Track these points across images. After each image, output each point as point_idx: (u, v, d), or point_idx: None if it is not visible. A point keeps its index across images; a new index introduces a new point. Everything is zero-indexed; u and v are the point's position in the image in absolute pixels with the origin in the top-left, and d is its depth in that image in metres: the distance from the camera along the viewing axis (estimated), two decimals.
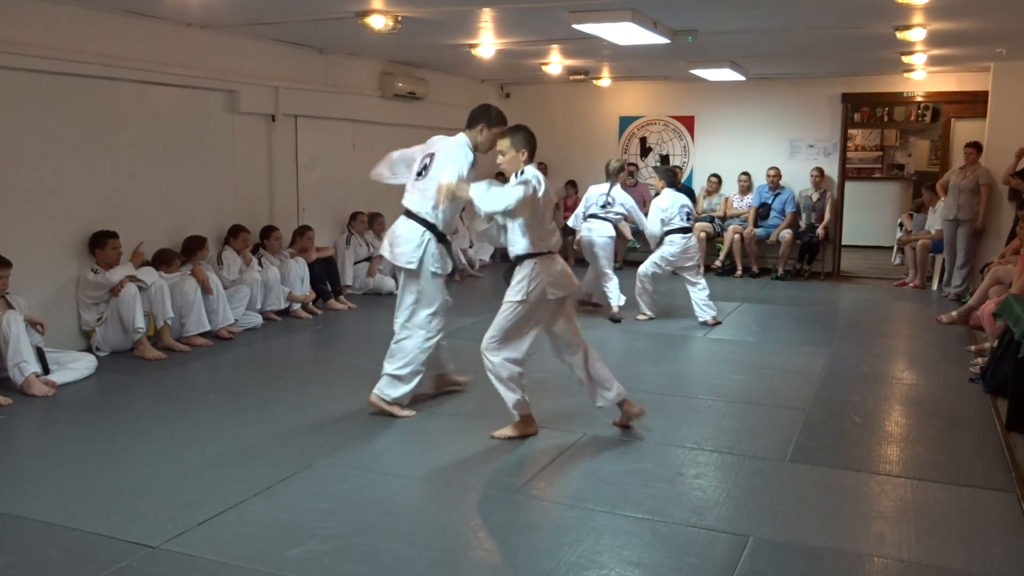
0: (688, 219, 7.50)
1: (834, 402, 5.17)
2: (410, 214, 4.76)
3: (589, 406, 4.98)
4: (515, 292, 4.30)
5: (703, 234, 10.27)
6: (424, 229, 4.70)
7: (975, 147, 9.01)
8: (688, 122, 11.29)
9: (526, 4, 6.08)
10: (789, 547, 3.26)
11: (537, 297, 4.28)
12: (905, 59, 8.58)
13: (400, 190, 5.04)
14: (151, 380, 5.56)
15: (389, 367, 4.78)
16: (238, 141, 7.57)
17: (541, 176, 4.32)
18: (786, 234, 10.16)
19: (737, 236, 10.36)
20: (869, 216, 12.95)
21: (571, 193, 11.27)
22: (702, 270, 7.74)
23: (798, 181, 10.51)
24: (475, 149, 4.71)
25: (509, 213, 4.25)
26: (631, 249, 10.56)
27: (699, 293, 7.46)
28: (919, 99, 11.16)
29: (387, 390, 4.77)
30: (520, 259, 4.34)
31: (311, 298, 7.64)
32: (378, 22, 6.23)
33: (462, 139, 4.73)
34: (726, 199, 10.87)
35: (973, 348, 6.45)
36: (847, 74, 10.29)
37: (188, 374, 5.76)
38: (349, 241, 8.58)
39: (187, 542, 3.21)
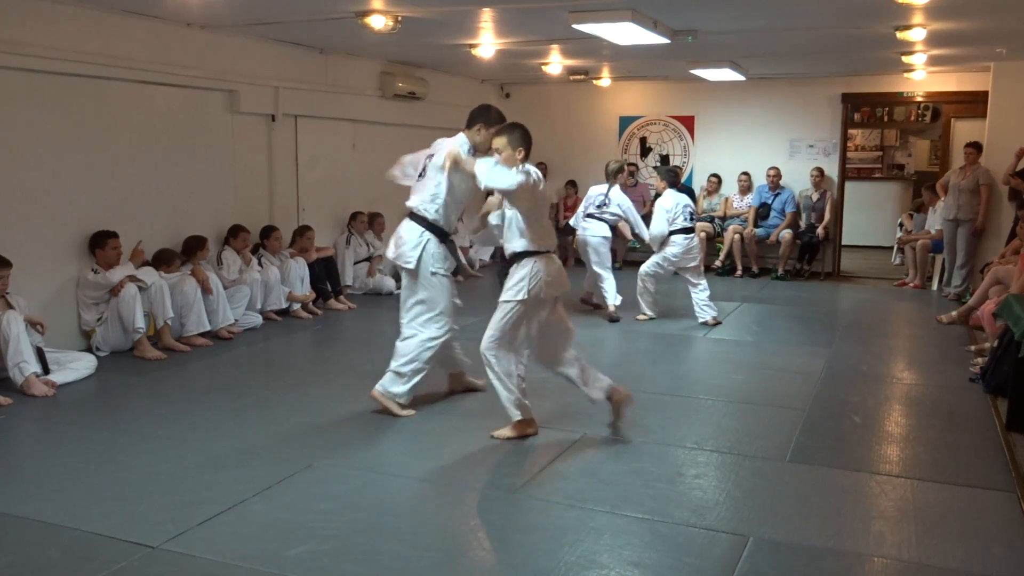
0: (691, 219, 7.50)
1: (834, 402, 5.17)
2: (412, 215, 4.78)
3: (589, 406, 4.99)
4: (515, 291, 4.28)
5: (703, 234, 10.27)
6: (423, 229, 4.72)
7: (975, 147, 9.01)
8: (688, 122, 11.29)
9: (526, 4, 6.08)
10: (789, 547, 3.26)
11: (536, 296, 4.28)
12: (905, 59, 8.58)
13: (401, 189, 5.06)
14: (151, 380, 5.56)
15: (392, 363, 4.80)
16: (238, 141, 7.57)
17: (540, 174, 4.36)
18: (786, 234, 10.16)
19: (737, 236, 10.36)
20: (869, 216, 12.95)
21: (571, 193, 11.27)
22: (702, 270, 7.74)
23: (798, 181, 10.51)
24: (474, 149, 4.71)
25: (509, 196, 4.24)
26: (631, 249, 10.56)
27: (700, 294, 7.47)
28: (919, 99, 11.16)
29: (388, 385, 4.79)
30: (519, 257, 4.33)
31: (311, 298, 7.64)
32: (378, 22, 6.23)
33: (460, 139, 4.74)
34: (726, 199, 10.87)
35: (973, 348, 6.45)
36: (847, 74, 10.29)
37: (188, 374, 5.76)
38: (349, 241, 8.58)
39: (187, 542, 3.21)
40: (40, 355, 5.26)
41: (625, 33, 6.51)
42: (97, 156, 6.26)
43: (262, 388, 5.38)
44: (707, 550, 3.22)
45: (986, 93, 9.25)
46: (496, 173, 4.22)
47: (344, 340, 7.16)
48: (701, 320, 7.42)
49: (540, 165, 9.62)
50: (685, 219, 7.44)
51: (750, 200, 10.63)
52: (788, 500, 3.73)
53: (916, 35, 6.83)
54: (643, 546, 3.25)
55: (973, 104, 10.05)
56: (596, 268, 7.71)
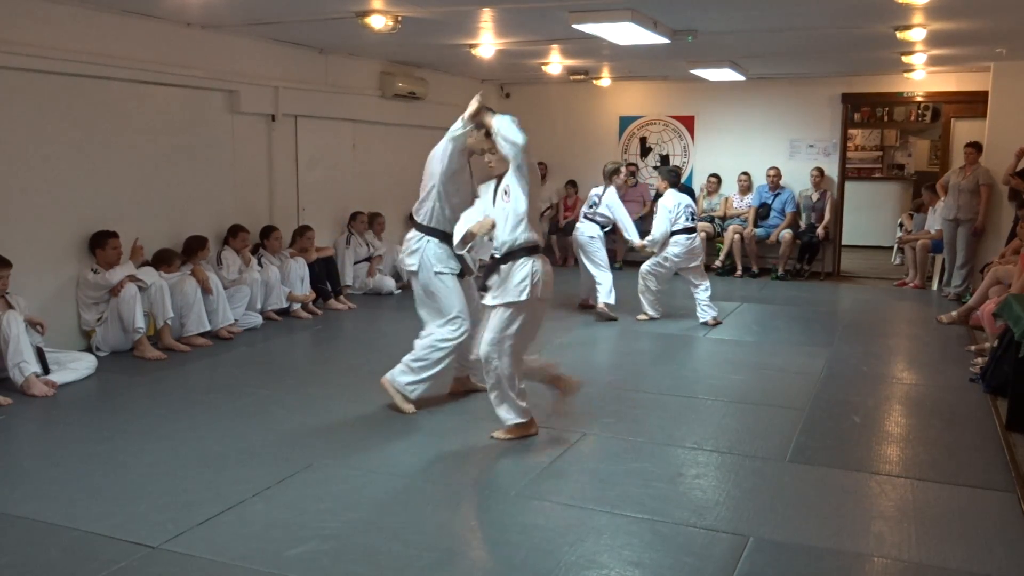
0: (692, 219, 7.50)
1: (834, 402, 5.17)
2: (411, 219, 4.86)
3: (589, 406, 5.00)
4: (518, 292, 4.20)
5: (703, 234, 10.27)
6: (422, 234, 4.79)
7: (975, 147, 9.01)
8: (688, 122, 11.29)
9: (526, 4, 6.07)
10: (789, 547, 3.26)
11: (537, 296, 4.24)
12: (905, 59, 8.58)
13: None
14: (151, 380, 5.56)
15: (406, 356, 4.83)
16: (238, 141, 7.57)
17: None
18: (786, 234, 10.16)
19: (737, 236, 10.36)
20: (869, 216, 12.95)
21: (571, 193, 11.27)
22: (704, 270, 7.74)
23: (798, 181, 10.51)
24: (469, 152, 4.73)
25: (517, 165, 4.17)
26: (631, 249, 10.54)
27: (702, 294, 7.47)
28: (919, 99, 11.16)
29: (396, 375, 4.82)
30: (516, 255, 4.23)
31: (311, 298, 7.64)
32: (378, 22, 6.23)
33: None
34: (726, 199, 10.87)
35: (973, 348, 6.45)
36: (847, 74, 10.29)
37: (188, 374, 5.76)
38: (349, 241, 8.58)
39: (187, 542, 3.21)
40: (40, 355, 5.26)
41: (625, 33, 6.51)
42: (97, 156, 6.26)
43: (262, 388, 5.37)
44: (707, 550, 3.22)
45: (986, 93, 9.25)
46: (512, 126, 4.18)
47: (344, 340, 7.16)
48: (702, 320, 7.42)
49: (540, 165, 9.63)
50: (687, 219, 7.44)
51: (750, 200, 10.63)
52: (788, 500, 3.73)
53: (916, 35, 6.83)
54: (643, 546, 3.25)
55: (973, 104, 10.05)
56: (588, 266, 7.79)
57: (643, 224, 8.62)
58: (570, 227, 8.47)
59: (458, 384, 5.17)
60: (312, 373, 5.98)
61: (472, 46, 7.87)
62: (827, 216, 10.26)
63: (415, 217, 4.92)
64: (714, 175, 10.90)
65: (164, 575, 3.00)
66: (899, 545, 3.30)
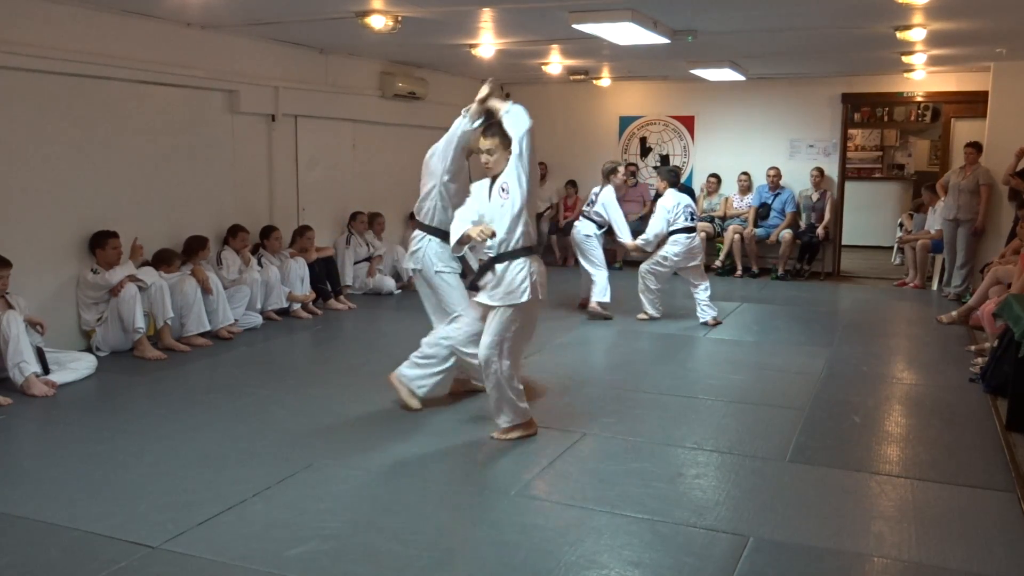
0: (692, 219, 7.49)
1: (834, 402, 5.17)
2: (412, 218, 4.87)
3: (589, 406, 5.00)
4: (519, 293, 4.17)
5: (703, 234, 10.27)
6: (424, 233, 4.80)
7: (975, 147, 9.01)
8: (688, 122, 11.29)
9: (526, 4, 6.07)
10: (789, 547, 3.26)
11: (539, 296, 4.23)
12: (905, 59, 8.58)
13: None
14: (151, 380, 5.56)
15: (413, 353, 4.86)
16: (238, 141, 7.57)
17: None
18: (786, 234, 10.16)
19: (737, 236, 10.36)
20: (869, 216, 12.95)
21: (571, 193, 11.27)
22: (704, 270, 7.74)
23: (798, 181, 10.51)
24: (468, 152, 4.75)
25: (522, 159, 4.14)
26: (641, 250, 10.54)
27: (702, 294, 7.47)
28: (919, 99, 11.16)
29: (404, 370, 4.85)
30: (513, 256, 4.18)
31: (311, 298, 7.64)
32: (378, 22, 6.23)
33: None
34: (726, 199, 10.87)
35: (973, 348, 6.45)
36: (847, 74, 10.29)
37: (188, 374, 5.76)
38: (349, 241, 8.58)
39: (187, 542, 3.21)
40: (40, 355, 5.26)
41: (625, 33, 6.51)
42: (97, 156, 6.26)
43: (262, 388, 5.37)
44: (707, 550, 3.22)
45: (986, 93, 9.25)
46: (521, 109, 4.19)
47: (344, 340, 7.16)
48: (702, 320, 7.42)
49: (540, 165, 9.64)
50: (686, 219, 7.43)
51: (750, 200, 10.63)
52: (788, 500, 3.73)
53: (916, 35, 6.83)
54: (643, 546, 3.25)
55: (973, 104, 10.05)
56: (584, 264, 7.82)
57: (643, 224, 8.61)
58: (570, 227, 8.48)
59: (458, 384, 5.18)
60: (312, 373, 5.98)
61: (472, 46, 7.87)
62: (827, 216, 10.26)
63: (417, 216, 4.95)
64: (713, 175, 10.90)
65: (164, 575, 3.00)
66: (899, 545, 3.30)
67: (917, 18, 6.40)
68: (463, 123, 4.64)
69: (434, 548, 3.21)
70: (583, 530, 3.35)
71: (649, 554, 3.18)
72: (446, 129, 4.84)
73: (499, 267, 4.21)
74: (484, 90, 4.45)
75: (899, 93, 10.57)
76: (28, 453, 4.37)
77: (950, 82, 10.10)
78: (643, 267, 7.60)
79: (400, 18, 6.27)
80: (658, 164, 11.24)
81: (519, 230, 4.17)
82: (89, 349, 5.99)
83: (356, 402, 5.00)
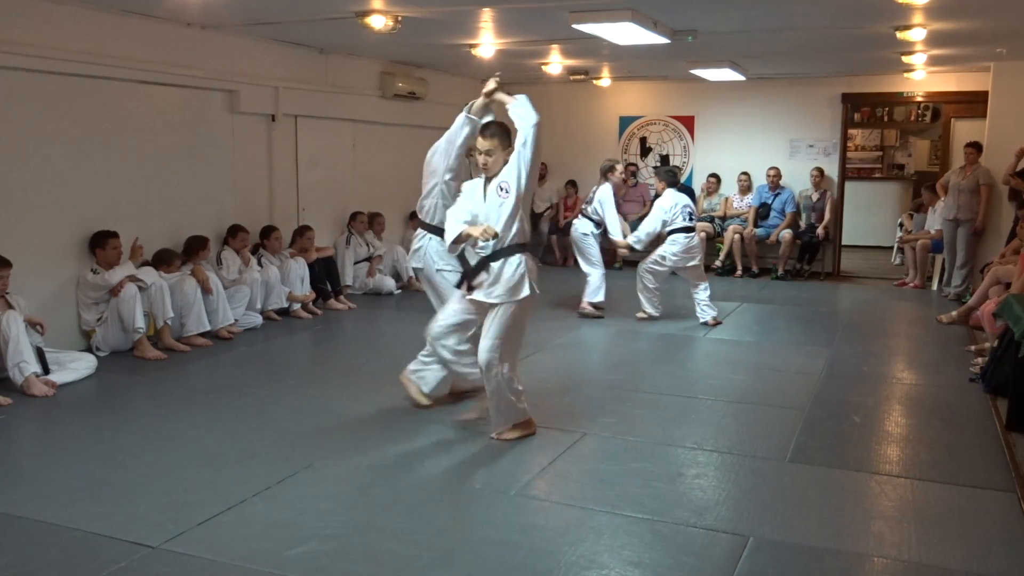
0: (690, 219, 7.49)
1: (834, 402, 5.17)
2: (414, 217, 4.90)
3: (589, 406, 5.00)
4: (519, 290, 4.17)
5: (703, 234, 10.27)
6: (425, 232, 4.82)
7: (975, 147, 9.01)
8: (688, 122, 11.29)
9: (526, 4, 6.08)
10: (789, 547, 3.26)
11: (536, 292, 4.23)
12: (905, 59, 8.58)
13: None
14: (151, 380, 5.56)
15: (421, 352, 4.88)
16: (238, 141, 7.57)
17: None
18: (786, 234, 10.16)
19: (737, 236, 10.37)
20: (869, 216, 12.95)
21: (571, 193, 11.28)
22: (703, 270, 7.73)
23: (798, 181, 10.51)
24: (468, 151, 4.76)
25: (529, 150, 4.13)
26: (631, 249, 10.54)
27: (701, 294, 7.47)
28: (919, 99, 11.16)
29: (413, 367, 4.88)
30: (508, 252, 4.17)
31: (311, 298, 7.64)
32: (378, 22, 6.23)
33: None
34: (726, 199, 10.87)
35: (973, 348, 6.45)
36: (847, 74, 10.29)
37: (188, 374, 5.76)
38: (349, 241, 8.58)
39: (187, 542, 3.21)
40: (40, 355, 5.26)
41: (625, 33, 6.51)
42: (97, 156, 6.26)
43: (262, 388, 5.37)
44: (707, 550, 3.22)
45: (986, 93, 9.25)
46: (528, 103, 4.18)
47: (344, 340, 7.16)
48: (702, 320, 7.42)
49: (540, 165, 9.63)
50: (684, 219, 7.43)
51: (750, 200, 10.63)
52: (788, 500, 3.73)
53: (916, 35, 6.83)
54: (643, 546, 3.25)
55: (973, 104, 10.05)
56: (580, 262, 7.85)
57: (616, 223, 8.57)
58: (570, 227, 8.49)
59: (457, 384, 5.18)
60: (312, 373, 5.98)
61: (472, 46, 7.87)
62: (827, 216, 10.26)
63: (419, 215, 4.97)
64: (713, 175, 10.90)
65: (164, 575, 3.00)
66: (899, 545, 3.30)
67: (917, 18, 6.40)
68: (466, 119, 4.63)
69: (434, 548, 3.21)
70: (583, 530, 3.35)
71: (649, 554, 3.18)
72: (446, 129, 4.84)
73: (495, 265, 4.19)
74: (491, 84, 4.43)
75: (899, 93, 10.57)
76: (28, 453, 4.38)
77: (950, 82, 10.10)
78: (641, 266, 7.60)
79: (400, 18, 6.27)
80: (658, 164, 11.24)
81: (515, 227, 4.18)
82: (89, 349, 5.99)
83: (356, 402, 5.00)
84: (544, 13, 6.31)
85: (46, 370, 5.25)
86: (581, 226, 7.86)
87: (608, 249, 8.22)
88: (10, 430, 4.56)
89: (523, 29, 7.20)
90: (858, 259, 11.87)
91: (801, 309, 8.41)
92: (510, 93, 4.33)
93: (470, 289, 4.30)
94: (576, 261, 8.28)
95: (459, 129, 4.71)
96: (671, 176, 7.74)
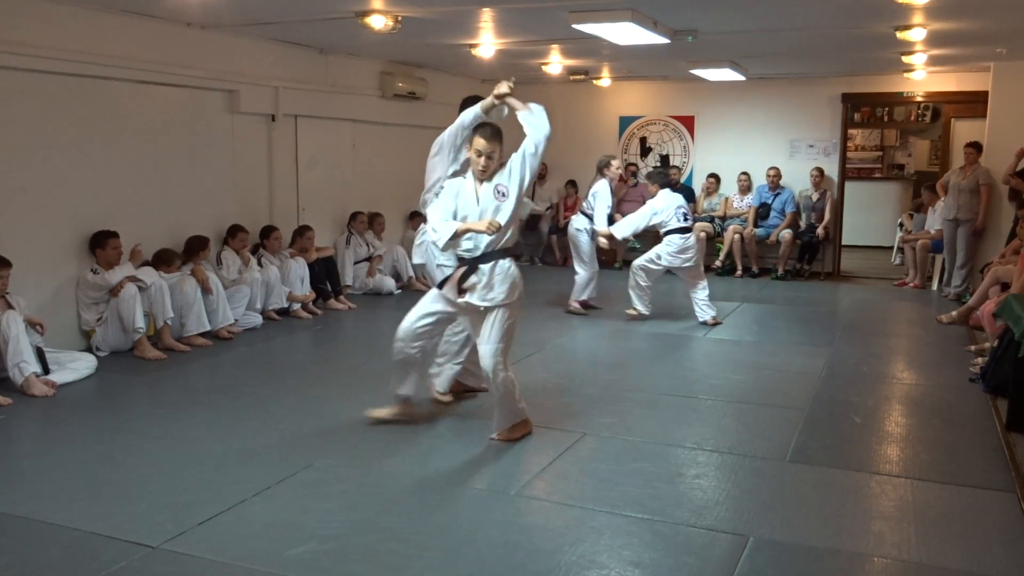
0: (685, 219, 7.47)
1: (834, 402, 5.17)
2: (411, 217, 4.90)
3: (589, 406, 5.00)
4: (517, 290, 4.20)
5: (703, 234, 10.28)
6: (426, 228, 4.83)
7: (975, 147, 9.01)
8: (688, 122, 11.30)
9: (526, 4, 6.08)
10: (789, 547, 3.26)
11: (523, 292, 4.26)
12: (905, 59, 8.58)
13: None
14: (151, 380, 5.56)
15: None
16: (238, 141, 7.57)
17: None
18: (786, 234, 10.16)
19: (737, 236, 10.36)
20: (869, 216, 12.95)
21: (571, 193, 11.27)
22: (702, 270, 7.73)
23: (798, 181, 10.51)
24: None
25: (535, 153, 4.15)
26: (631, 249, 10.56)
27: (700, 293, 7.47)
28: (919, 99, 11.16)
29: (433, 369, 4.96)
30: (498, 256, 4.16)
31: (311, 298, 7.64)
32: (378, 22, 6.23)
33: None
34: (726, 199, 10.87)
35: (973, 348, 6.45)
36: (847, 74, 10.29)
37: (188, 374, 5.76)
38: (349, 241, 8.58)
39: (187, 542, 3.21)
40: (40, 355, 5.26)
41: (625, 33, 6.51)
42: (97, 156, 6.26)
43: (262, 388, 5.37)
44: (707, 550, 3.22)
45: (986, 93, 9.25)
46: (544, 112, 4.18)
47: (344, 340, 7.16)
48: (701, 320, 7.42)
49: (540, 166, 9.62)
50: (679, 220, 7.41)
51: (750, 200, 10.63)
52: (788, 500, 3.73)
53: (916, 35, 6.83)
54: (643, 546, 3.25)
55: (973, 104, 10.05)
56: (574, 261, 7.88)
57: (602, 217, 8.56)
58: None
59: (458, 384, 5.18)
60: (312, 373, 5.98)
61: (472, 46, 7.87)
62: (827, 216, 10.26)
63: (421, 210, 4.93)
64: (712, 175, 10.90)
65: (164, 575, 3.00)
66: (899, 545, 3.30)
67: (917, 18, 6.40)
68: (476, 117, 4.61)
69: (434, 548, 3.21)
70: (583, 530, 3.35)
71: (649, 554, 3.19)
72: (445, 129, 4.82)
73: (485, 267, 4.16)
74: (504, 88, 4.31)
75: (899, 93, 10.57)
76: (28, 453, 4.38)
77: (950, 82, 10.10)
78: (635, 264, 7.60)
79: (400, 18, 6.27)
80: (658, 164, 11.25)
81: (510, 231, 4.20)
82: (89, 349, 5.99)
83: (356, 402, 4.99)
84: (544, 13, 6.31)
85: (46, 370, 5.25)
86: (576, 222, 7.91)
87: (610, 249, 8.22)
88: (10, 430, 4.57)
89: (523, 29, 7.20)
90: (858, 259, 11.87)
91: (801, 309, 8.41)
92: (523, 101, 4.29)
93: (461, 292, 4.22)
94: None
95: (461, 125, 4.68)
96: (663, 178, 7.75)
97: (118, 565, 3.03)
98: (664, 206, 7.43)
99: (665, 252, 7.43)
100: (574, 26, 6.21)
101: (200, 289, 6.42)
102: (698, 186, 11.10)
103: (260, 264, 7.27)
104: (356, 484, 3.82)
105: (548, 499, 3.73)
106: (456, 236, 4.16)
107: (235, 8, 6.21)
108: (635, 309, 7.55)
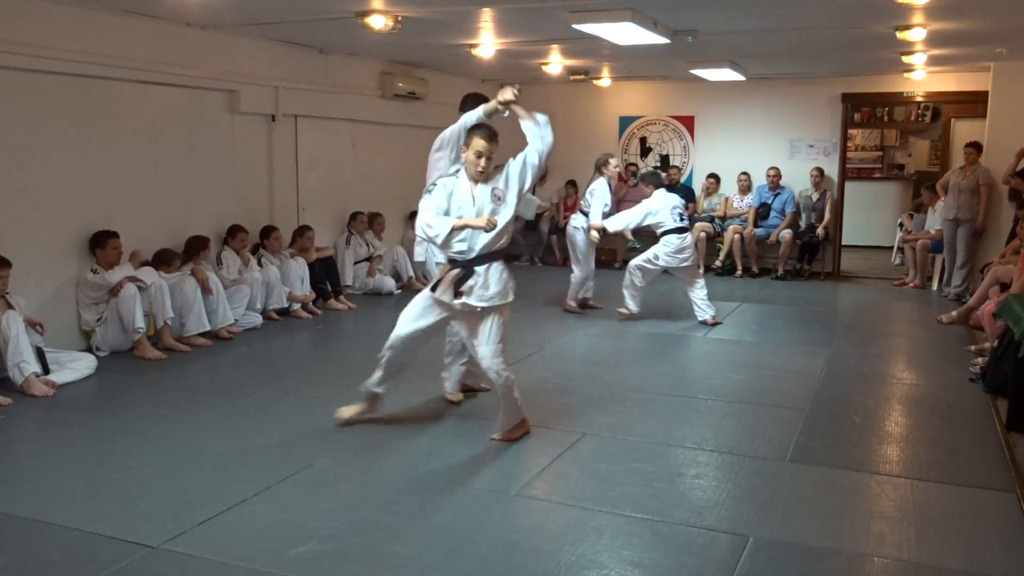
0: (681, 219, 7.46)
1: (834, 402, 5.17)
2: (411, 216, 4.92)
3: (589, 406, 5.00)
4: (511, 291, 4.24)
5: (703, 234, 10.28)
6: None
7: (975, 147, 9.01)
8: (688, 122, 11.30)
9: (526, 4, 6.08)
10: (789, 547, 3.26)
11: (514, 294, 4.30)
12: (905, 59, 8.58)
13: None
14: (151, 380, 5.56)
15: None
16: (238, 141, 7.57)
17: None
18: (786, 234, 10.16)
19: (737, 236, 10.36)
20: (869, 216, 12.95)
21: (571, 193, 11.28)
22: (701, 270, 7.73)
23: (798, 181, 10.51)
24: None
25: (538, 163, 4.16)
26: (631, 249, 10.56)
27: (698, 292, 7.47)
28: (919, 99, 11.16)
29: (443, 372, 5.03)
30: (492, 258, 4.18)
31: (311, 298, 7.64)
32: (378, 22, 6.23)
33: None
34: (726, 199, 10.88)
35: (973, 348, 6.45)
36: (847, 74, 10.29)
37: (188, 374, 5.76)
38: (349, 241, 8.58)
39: (187, 542, 3.21)
40: (40, 355, 5.26)
41: (625, 33, 6.51)
42: (97, 156, 6.26)
43: (262, 388, 5.37)
44: (707, 550, 3.22)
45: (986, 93, 9.25)
46: (549, 124, 4.20)
47: (344, 340, 7.16)
48: (700, 319, 7.42)
49: None
50: (675, 220, 7.41)
51: (750, 200, 10.63)
52: (788, 500, 3.73)
53: (916, 35, 6.83)
54: (643, 546, 3.25)
55: (973, 104, 10.05)
56: (572, 260, 7.88)
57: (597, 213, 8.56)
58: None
59: (461, 385, 5.18)
60: (312, 373, 5.98)
61: (472, 46, 7.87)
62: (827, 216, 10.26)
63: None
64: (712, 175, 10.90)
65: (164, 575, 3.00)
66: (899, 545, 3.30)
67: (917, 18, 6.40)
68: (472, 118, 4.61)
69: (434, 548, 3.21)
70: (583, 530, 3.35)
71: (649, 554, 3.19)
72: (445, 129, 4.82)
73: (480, 269, 4.17)
74: (509, 94, 4.24)
75: (899, 93, 10.57)
76: (28, 453, 4.38)
77: (950, 82, 10.10)
78: (632, 263, 7.61)
79: (400, 18, 6.27)
80: (658, 164, 11.25)
81: (505, 236, 4.23)
82: (89, 349, 5.99)
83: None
84: (544, 13, 6.31)
85: (46, 370, 5.25)
86: (574, 220, 7.93)
87: (611, 249, 8.21)
88: (10, 430, 4.57)
89: (523, 29, 7.20)
90: (858, 259, 11.87)
91: (801, 309, 8.41)
92: (527, 108, 4.28)
93: (457, 294, 4.19)
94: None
95: (465, 123, 4.67)
96: (656, 179, 7.77)
97: (118, 565, 3.03)
98: (659, 206, 7.43)
99: (663, 252, 7.43)
100: (574, 26, 6.21)
101: (200, 289, 6.42)
102: (698, 186, 11.10)
103: (260, 264, 7.27)
104: (356, 484, 3.82)
105: (548, 499, 3.73)
106: (453, 232, 4.15)
107: (235, 8, 6.21)
108: (627, 308, 7.55)
